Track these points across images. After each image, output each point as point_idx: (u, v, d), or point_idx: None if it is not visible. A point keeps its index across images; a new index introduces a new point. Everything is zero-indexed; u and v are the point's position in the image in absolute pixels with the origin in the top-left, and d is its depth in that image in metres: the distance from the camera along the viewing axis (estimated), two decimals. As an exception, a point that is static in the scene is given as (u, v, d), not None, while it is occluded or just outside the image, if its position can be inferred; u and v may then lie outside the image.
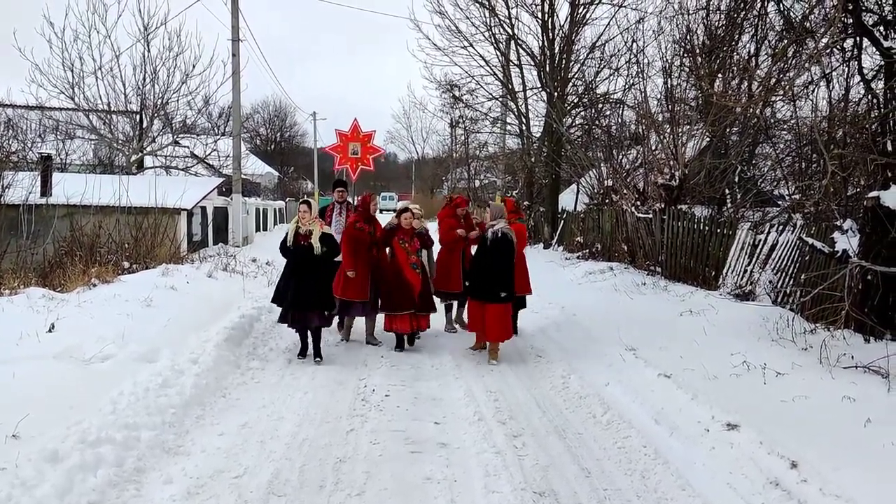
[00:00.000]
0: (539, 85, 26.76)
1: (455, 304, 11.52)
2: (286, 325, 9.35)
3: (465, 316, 10.95)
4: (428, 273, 10.36)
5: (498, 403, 7.61)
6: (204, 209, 23.18)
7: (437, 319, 10.89)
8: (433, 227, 11.72)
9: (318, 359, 9.28)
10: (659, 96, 17.90)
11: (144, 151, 27.51)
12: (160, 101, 27.00)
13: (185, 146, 30.28)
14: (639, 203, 17.59)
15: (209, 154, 30.01)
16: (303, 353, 9.41)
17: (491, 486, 5.48)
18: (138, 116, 27.56)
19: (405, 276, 9.84)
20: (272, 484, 5.44)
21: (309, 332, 9.43)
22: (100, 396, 6.37)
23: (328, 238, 9.26)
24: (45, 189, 19.08)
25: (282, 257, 9.49)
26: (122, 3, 32.07)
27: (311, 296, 9.08)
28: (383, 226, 10.29)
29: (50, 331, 8.08)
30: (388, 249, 10.19)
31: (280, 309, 9.34)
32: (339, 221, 10.81)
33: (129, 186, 17.03)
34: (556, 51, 25.51)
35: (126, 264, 13.79)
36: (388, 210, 67.98)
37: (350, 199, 11.28)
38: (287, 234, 9.29)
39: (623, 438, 6.65)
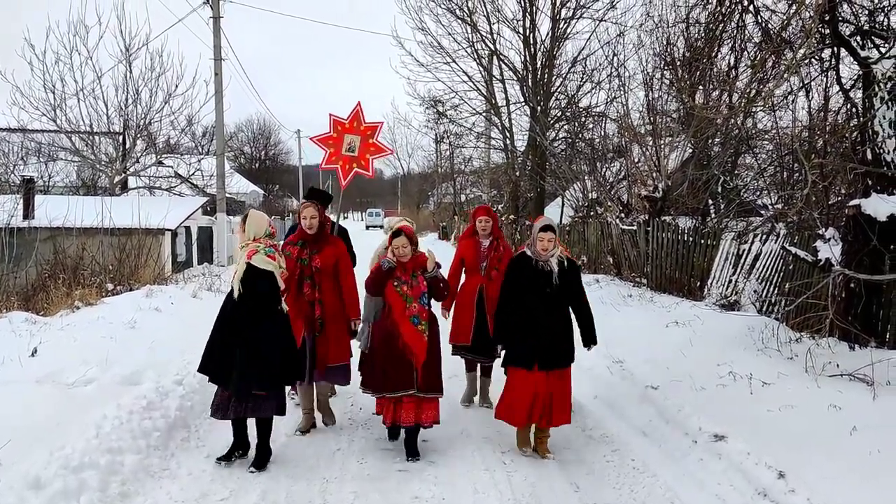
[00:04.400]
0: (522, 99, 26.88)
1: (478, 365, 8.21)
2: (218, 417, 6.23)
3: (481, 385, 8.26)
4: (438, 331, 6.75)
5: (485, 420, 7.58)
6: (188, 229, 23.09)
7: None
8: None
9: (253, 468, 6.04)
10: (641, 109, 18.02)
11: (128, 172, 27.40)
12: (143, 121, 26.92)
13: (168, 166, 30.18)
14: (623, 215, 17.65)
15: (193, 173, 29.90)
16: (242, 451, 6.29)
17: None
18: (121, 137, 27.45)
19: (401, 336, 6.36)
20: (259, 506, 5.39)
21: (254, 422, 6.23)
22: (83, 421, 6.29)
23: (258, 274, 6.00)
24: (28, 212, 18.96)
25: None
26: (104, 24, 31.84)
27: (254, 367, 5.95)
28: (378, 254, 7.11)
29: (32, 355, 8.01)
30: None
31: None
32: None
33: (113, 208, 16.91)
34: (539, 65, 25.65)
35: (110, 286, 13.70)
36: (374, 226, 67.86)
37: (333, 217, 8.54)
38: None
39: (611, 452, 6.65)
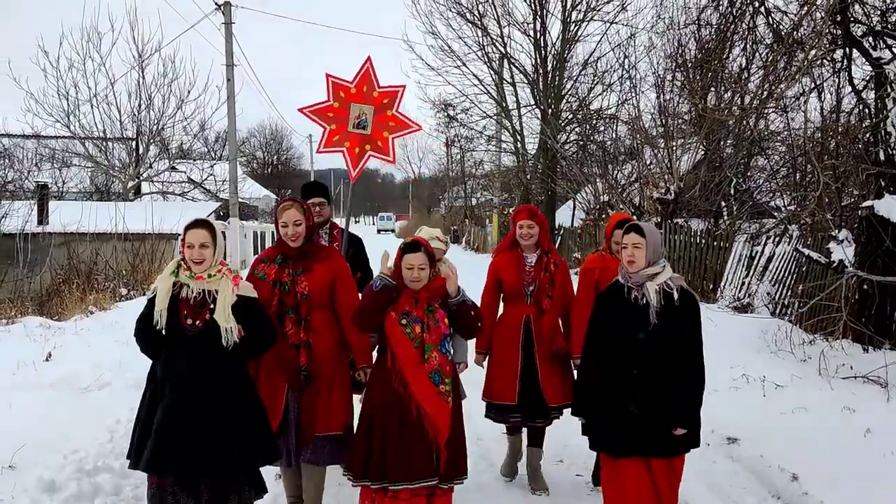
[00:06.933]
0: (533, 102, 26.91)
1: (523, 431, 5.77)
2: None
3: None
4: (460, 384, 4.85)
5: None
6: (201, 234, 23.21)
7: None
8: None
9: None
10: (652, 111, 17.99)
11: (141, 178, 27.58)
12: (156, 127, 27.10)
13: (181, 171, 30.38)
14: (635, 217, 17.61)
15: (206, 179, 30.09)
16: None
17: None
18: (134, 143, 27.64)
19: (414, 400, 4.40)
20: (271, 509, 5.39)
21: None
22: (97, 425, 6.34)
23: (252, 309, 4.25)
24: (42, 217, 19.10)
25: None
26: (117, 31, 32.01)
27: (222, 439, 4.08)
28: (379, 272, 4.58)
29: (47, 360, 8.07)
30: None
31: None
32: None
33: (126, 213, 17.03)
34: (549, 68, 25.68)
35: (123, 291, 13.79)
36: (385, 230, 67.95)
37: (339, 222, 6.56)
38: (155, 299, 4.17)
39: (623, 455, 6.61)
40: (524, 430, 5.74)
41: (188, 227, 4.16)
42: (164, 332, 4.10)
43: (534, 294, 5.50)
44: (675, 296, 4.17)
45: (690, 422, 4.23)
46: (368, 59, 6.33)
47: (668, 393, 4.13)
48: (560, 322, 5.62)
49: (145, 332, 4.19)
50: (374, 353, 4.95)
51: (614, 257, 5.20)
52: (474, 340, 5.38)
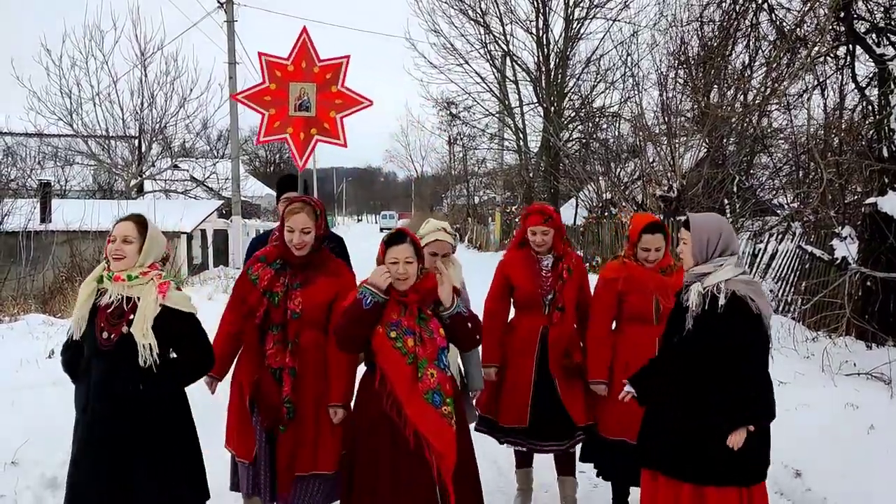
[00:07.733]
0: (535, 100, 26.91)
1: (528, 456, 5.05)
2: None
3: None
4: (467, 409, 4.32)
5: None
6: (204, 232, 23.22)
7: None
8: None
9: None
10: (655, 108, 17.97)
11: (143, 176, 27.56)
12: (158, 125, 27.06)
13: (184, 170, 30.35)
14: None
15: (208, 177, 30.06)
16: None
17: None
18: (137, 141, 27.62)
19: (411, 425, 3.64)
20: None
21: None
22: (100, 421, 6.33)
23: (185, 325, 3.67)
24: (45, 215, 19.11)
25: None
26: (119, 29, 32.11)
27: (144, 487, 3.58)
28: (370, 283, 3.76)
29: (50, 357, 8.07)
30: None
31: None
32: None
33: (129, 211, 17.01)
34: (552, 66, 25.67)
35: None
36: (388, 229, 67.86)
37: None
38: (74, 318, 3.60)
39: (626, 452, 6.60)
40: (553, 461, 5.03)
41: (117, 221, 3.59)
42: (75, 340, 3.55)
43: (551, 304, 4.79)
44: (721, 301, 3.51)
45: (726, 429, 3.47)
46: (304, 30, 5.70)
47: (709, 399, 3.51)
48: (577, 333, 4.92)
49: (65, 348, 3.70)
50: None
51: (638, 265, 4.66)
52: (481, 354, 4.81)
